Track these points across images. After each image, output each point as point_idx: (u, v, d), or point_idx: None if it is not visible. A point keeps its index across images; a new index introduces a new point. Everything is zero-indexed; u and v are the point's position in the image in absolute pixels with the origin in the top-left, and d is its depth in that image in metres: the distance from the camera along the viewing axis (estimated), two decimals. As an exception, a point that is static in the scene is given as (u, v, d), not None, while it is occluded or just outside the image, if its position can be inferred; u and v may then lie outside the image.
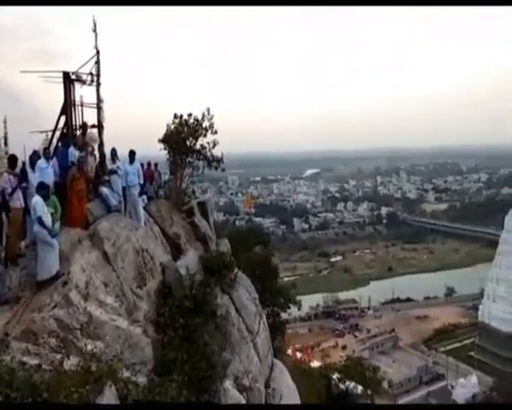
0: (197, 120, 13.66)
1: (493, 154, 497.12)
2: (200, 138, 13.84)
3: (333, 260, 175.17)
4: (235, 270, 12.53)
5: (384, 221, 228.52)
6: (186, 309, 9.15)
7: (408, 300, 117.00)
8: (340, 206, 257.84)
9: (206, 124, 13.75)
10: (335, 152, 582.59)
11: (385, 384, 61.97)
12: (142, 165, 12.83)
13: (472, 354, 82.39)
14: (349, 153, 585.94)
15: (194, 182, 16.06)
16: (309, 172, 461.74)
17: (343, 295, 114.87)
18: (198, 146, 13.90)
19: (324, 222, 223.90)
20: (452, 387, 68.55)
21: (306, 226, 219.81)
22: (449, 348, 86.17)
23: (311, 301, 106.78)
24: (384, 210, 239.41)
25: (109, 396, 5.40)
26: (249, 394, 9.90)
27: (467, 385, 65.54)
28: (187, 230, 13.69)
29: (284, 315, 22.88)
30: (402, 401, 64.11)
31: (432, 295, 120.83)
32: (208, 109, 13.57)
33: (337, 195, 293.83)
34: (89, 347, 6.62)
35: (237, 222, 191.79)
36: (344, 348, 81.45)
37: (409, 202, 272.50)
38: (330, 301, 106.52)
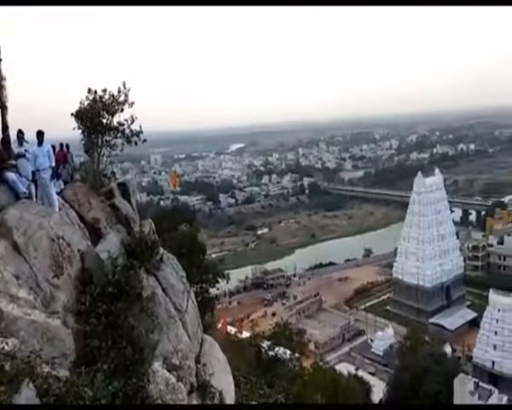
0: (113, 96, 12.87)
1: (402, 122, 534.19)
2: (117, 115, 13.09)
3: (259, 232, 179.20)
4: (161, 250, 12.30)
5: (306, 191, 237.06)
6: (109, 295, 8.84)
7: (330, 264, 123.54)
8: (265, 179, 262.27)
9: (121, 99, 13.01)
10: (259, 126, 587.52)
11: (311, 346, 65.62)
12: (53, 147, 11.93)
13: (388, 308, 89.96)
14: (272, 127, 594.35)
15: (114, 162, 15.23)
16: (234, 147, 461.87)
17: (270, 266, 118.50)
18: (115, 123, 13.16)
19: (250, 196, 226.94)
20: (372, 341, 74.06)
21: (233, 201, 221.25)
22: (368, 305, 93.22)
23: (240, 275, 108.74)
24: (306, 181, 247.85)
25: (28, 394, 5.15)
26: (179, 372, 9.96)
27: (384, 337, 71.43)
28: (107, 213, 13.10)
29: (213, 291, 23.10)
30: (328, 358, 68.44)
31: (352, 258, 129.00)
32: (124, 83, 12.81)
33: (262, 168, 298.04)
34: (0, 345, 6.19)
35: (162, 202, 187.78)
36: (274, 314, 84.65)
37: (328, 171, 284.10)
38: (258, 272, 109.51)
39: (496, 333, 61.19)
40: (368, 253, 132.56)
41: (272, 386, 15.44)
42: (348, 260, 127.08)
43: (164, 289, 11.38)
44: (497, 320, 61.33)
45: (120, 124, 12.92)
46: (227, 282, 24.20)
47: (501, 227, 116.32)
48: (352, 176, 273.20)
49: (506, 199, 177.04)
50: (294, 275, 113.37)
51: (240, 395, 12.94)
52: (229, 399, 11.93)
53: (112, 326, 8.28)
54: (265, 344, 21.58)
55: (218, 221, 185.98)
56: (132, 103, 12.79)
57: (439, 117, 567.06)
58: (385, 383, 55.64)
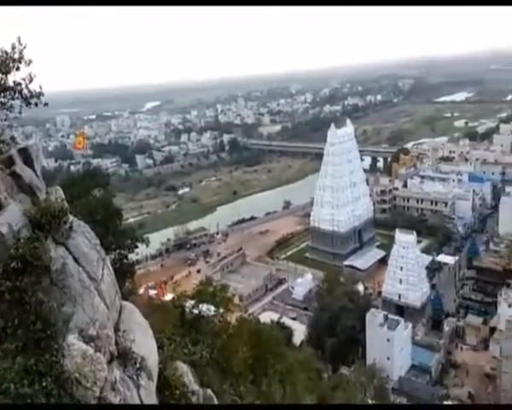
0: (6, 52, 11.49)
1: (316, 76, 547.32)
2: (13, 73, 11.74)
3: (180, 192, 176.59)
4: (70, 218, 11.64)
5: (226, 148, 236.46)
6: (13, 270, 8.28)
7: (252, 218, 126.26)
8: (184, 137, 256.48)
9: (16, 56, 11.66)
10: (175, 83, 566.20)
11: (236, 299, 67.69)
12: None
13: (307, 255, 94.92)
14: (189, 83, 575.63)
15: (13, 126, 13.79)
16: (149, 105, 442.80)
17: (193, 226, 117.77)
18: (11, 83, 11.81)
19: (169, 156, 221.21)
20: (293, 288, 77.93)
21: (151, 162, 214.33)
22: (288, 254, 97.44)
23: (162, 237, 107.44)
24: (226, 137, 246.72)
25: None
26: (97, 342, 9.80)
27: (303, 283, 75.71)
28: (7, 182, 11.98)
29: (133, 256, 22.63)
30: (252, 309, 71.25)
31: (272, 211, 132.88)
32: (19, 38, 11.47)
33: (180, 126, 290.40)
34: None
35: (73, 167, 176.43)
36: (199, 271, 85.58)
37: (247, 126, 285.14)
38: (181, 233, 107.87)
39: (401, 268, 67.48)
40: (287, 205, 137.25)
41: (197, 343, 15.76)
42: (269, 214, 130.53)
43: (76, 259, 10.89)
44: (402, 257, 67.47)
45: (16, 83, 11.72)
46: (147, 246, 23.77)
47: (405, 172, 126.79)
48: (270, 130, 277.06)
49: (409, 145, 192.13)
50: (217, 233, 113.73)
51: (164, 356, 13.08)
52: (152, 362, 12.03)
53: (18, 303, 7.85)
54: (189, 303, 21.82)
55: (136, 184, 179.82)
56: (30, 61, 11.62)
57: (350, 70, 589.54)
58: (305, 325, 59.60)
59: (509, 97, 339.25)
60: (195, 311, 21.26)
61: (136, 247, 22.11)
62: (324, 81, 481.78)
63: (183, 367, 11.95)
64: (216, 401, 12.11)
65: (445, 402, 45.53)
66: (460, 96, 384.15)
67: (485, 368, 53.39)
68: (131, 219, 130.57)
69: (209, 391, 12.22)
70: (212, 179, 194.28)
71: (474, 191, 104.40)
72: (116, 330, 11.47)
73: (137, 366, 10.85)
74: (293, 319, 66.17)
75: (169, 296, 39.92)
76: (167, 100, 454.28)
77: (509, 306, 56.28)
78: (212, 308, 23.20)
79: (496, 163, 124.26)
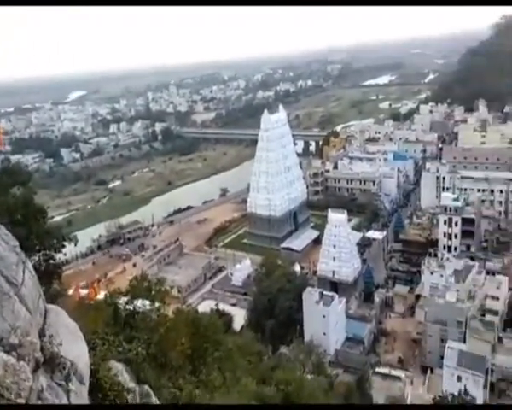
0: None
1: (248, 63, 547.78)
2: None
3: (111, 185, 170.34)
4: (-19, 220, 11.02)
5: (159, 137, 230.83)
6: None
7: (189, 208, 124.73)
8: (113, 128, 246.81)
9: None
10: (102, 72, 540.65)
11: (174, 291, 67.13)
12: None
13: (245, 241, 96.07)
14: (117, 71, 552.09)
15: None
16: (73, 95, 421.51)
17: (126, 219, 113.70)
18: None
19: (97, 148, 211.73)
20: (232, 274, 78.41)
21: (77, 156, 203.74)
22: (226, 241, 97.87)
23: (93, 234, 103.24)
24: (158, 126, 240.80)
25: None
26: (20, 350, 9.51)
27: (242, 269, 76.48)
28: None
29: (61, 256, 21.74)
30: (191, 299, 71.03)
31: (209, 199, 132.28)
32: None
33: (108, 117, 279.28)
34: None
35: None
36: (134, 265, 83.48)
37: (180, 114, 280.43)
38: (113, 228, 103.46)
39: (334, 247, 70.36)
40: (224, 192, 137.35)
41: (132, 340, 15.65)
42: (206, 202, 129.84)
43: (-9, 265, 10.43)
44: (335, 235, 70.38)
45: None
46: (75, 245, 22.91)
47: (335, 154, 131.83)
48: (204, 118, 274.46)
49: (338, 128, 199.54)
50: (152, 225, 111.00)
51: (96, 357, 12.91)
52: (83, 365, 11.83)
53: None
54: (123, 300, 21.42)
55: (62, 179, 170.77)
56: None
57: (280, 57, 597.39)
58: (245, 310, 60.60)
59: (427, 79, 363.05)
60: (130, 307, 20.94)
61: (64, 246, 21.24)
62: (256, 67, 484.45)
63: (117, 366, 11.88)
64: (153, 397, 12.22)
65: (377, 369, 48.89)
66: (384, 80, 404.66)
67: (412, 334, 57.85)
68: (58, 217, 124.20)
69: (146, 387, 12.26)
70: (144, 170, 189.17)
71: (398, 169, 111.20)
72: (41, 335, 11.10)
73: (66, 370, 10.66)
74: (233, 305, 66.89)
75: (103, 294, 38.67)
76: (93, 89, 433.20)
77: (432, 273, 61.00)
78: (148, 303, 22.97)
79: (417, 141, 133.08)
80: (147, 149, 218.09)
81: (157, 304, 23.54)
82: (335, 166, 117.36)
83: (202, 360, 21.56)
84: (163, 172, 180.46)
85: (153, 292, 24.83)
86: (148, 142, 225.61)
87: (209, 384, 19.45)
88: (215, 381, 19.85)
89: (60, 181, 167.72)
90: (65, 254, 26.64)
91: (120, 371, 11.58)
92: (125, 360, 12.56)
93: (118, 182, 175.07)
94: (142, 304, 22.00)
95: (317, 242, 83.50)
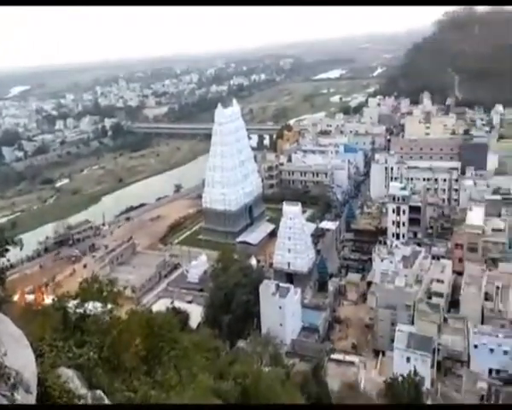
0: None
1: (201, 57, 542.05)
2: None
3: (59, 184, 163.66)
4: None
5: (109, 133, 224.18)
6: None
7: (142, 205, 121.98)
8: (60, 124, 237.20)
9: None
10: (47, 66, 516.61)
11: (128, 292, 65.67)
12: None
13: (200, 236, 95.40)
14: (63, 66, 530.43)
15: None
16: (15, 90, 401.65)
17: (75, 219, 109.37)
18: None
19: (42, 145, 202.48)
20: (187, 271, 77.50)
21: (21, 154, 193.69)
22: (181, 238, 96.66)
23: (40, 236, 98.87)
24: (108, 122, 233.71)
25: None
26: (-44, 366, 9.09)
27: (198, 265, 75.85)
28: None
29: (4, 261, 20.74)
30: (146, 299, 69.74)
31: (163, 196, 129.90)
32: None
33: (54, 112, 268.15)
34: None
35: None
36: (85, 266, 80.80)
37: (131, 109, 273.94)
38: (61, 228, 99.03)
39: (289, 238, 71.63)
40: (178, 188, 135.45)
41: (83, 345, 15.29)
42: (159, 199, 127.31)
43: None
44: (290, 227, 71.62)
45: None
46: (21, 248, 21.93)
47: (289, 147, 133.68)
48: (156, 112, 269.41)
49: (291, 122, 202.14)
50: (103, 224, 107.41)
51: (45, 365, 12.52)
52: (30, 374, 11.47)
53: None
54: (72, 304, 20.78)
55: (5, 179, 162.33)
56: None
57: (233, 51, 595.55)
58: (202, 306, 60.33)
59: (376, 73, 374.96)
60: (80, 311, 20.35)
61: (7, 250, 20.28)
62: (209, 61, 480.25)
63: (67, 373, 11.58)
64: (107, 401, 12.04)
65: (332, 355, 50.46)
66: (335, 74, 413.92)
67: (364, 319, 60.05)
68: (2, 220, 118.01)
69: (99, 392, 12.06)
70: (94, 168, 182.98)
71: (349, 161, 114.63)
72: (-18, 347, 10.66)
73: (12, 381, 10.34)
74: (190, 302, 66.37)
75: (50, 300, 37.07)
76: (38, 84, 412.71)
77: (382, 260, 63.46)
78: (99, 305, 22.41)
79: (366, 134, 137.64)
80: (96, 145, 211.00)
81: (109, 306, 23.03)
82: (289, 160, 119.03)
83: (157, 360, 21.37)
84: (114, 169, 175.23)
85: (104, 294, 24.25)
86: (97, 138, 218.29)
87: (165, 384, 19.35)
88: (171, 380, 19.76)
89: (2, 181, 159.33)
90: (8, 260, 25.39)
91: (71, 378, 11.30)
92: (76, 366, 12.25)
93: (65, 180, 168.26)
94: (93, 307, 21.40)
95: (273, 235, 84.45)
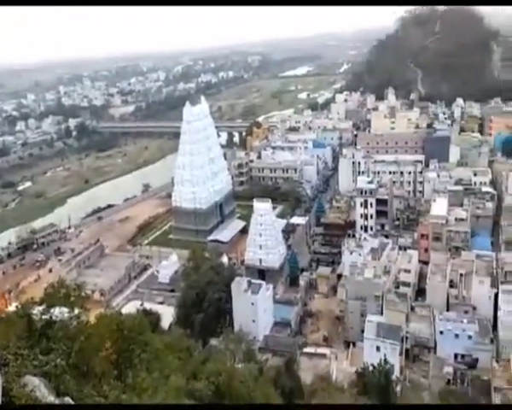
0: None
1: (168, 54, 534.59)
2: None
3: (21, 188, 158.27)
4: None
5: (74, 133, 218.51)
6: None
7: (109, 206, 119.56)
8: (21, 125, 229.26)
9: None
10: (5, 65, 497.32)
11: (97, 295, 64.25)
12: None
13: (170, 236, 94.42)
14: (23, 65, 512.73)
15: None
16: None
17: (39, 223, 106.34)
18: None
19: (3, 147, 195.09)
20: (158, 271, 76.75)
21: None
22: (151, 238, 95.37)
23: (1, 242, 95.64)
24: (72, 122, 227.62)
25: None
26: None
27: (169, 265, 75.01)
28: None
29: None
30: (115, 302, 68.36)
31: (131, 196, 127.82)
32: None
33: (14, 113, 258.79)
34: None
35: None
36: (51, 271, 78.95)
37: (96, 109, 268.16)
38: (25, 233, 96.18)
39: (260, 235, 71.76)
40: (146, 188, 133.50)
41: (49, 352, 14.92)
42: (127, 200, 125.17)
43: None
44: (261, 224, 71.74)
45: None
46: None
47: (258, 144, 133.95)
48: (122, 111, 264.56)
49: (261, 118, 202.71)
50: (69, 227, 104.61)
51: (10, 374, 12.17)
52: (-7, 384, 11.11)
53: None
54: (37, 310, 20.16)
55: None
56: None
57: (200, 49, 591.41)
58: (173, 306, 59.74)
59: (342, 69, 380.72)
60: (46, 317, 19.76)
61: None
62: (175, 59, 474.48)
63: (33, 381, 11.29)
64: (75, 408, 11.79)
65: (305, 349, 51.12)
66: (302, 71, 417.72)
67: (335, 312, 61.08)
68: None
69: (67, 399, 11.82)
70: (58, 169, 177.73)
71: (317, 156, 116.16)
72: None
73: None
74: (161, 303, 65.72)
75: (14, 307, 35.72)
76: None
77: (351, 253, 64.72)
78: (66, 311, 21.84)
79: (334, 129, 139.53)
80: (60, 146, 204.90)
81: (77, 311, 22.49)
82: (259, 157, 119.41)
83: (129, 364, 21.06)
84: (79, 171, 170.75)
85: (72, 298, 23.68)
86: (60, 139, 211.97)
87: (136, 387, 19.10)
88: (142, 383, 19.53)
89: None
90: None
91: (37, 386, 11.02)
92: (43, 374, 11.95)
93: (28, 183, 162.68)
94: (59, 312, 20.85)
95: (244, 232, 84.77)
